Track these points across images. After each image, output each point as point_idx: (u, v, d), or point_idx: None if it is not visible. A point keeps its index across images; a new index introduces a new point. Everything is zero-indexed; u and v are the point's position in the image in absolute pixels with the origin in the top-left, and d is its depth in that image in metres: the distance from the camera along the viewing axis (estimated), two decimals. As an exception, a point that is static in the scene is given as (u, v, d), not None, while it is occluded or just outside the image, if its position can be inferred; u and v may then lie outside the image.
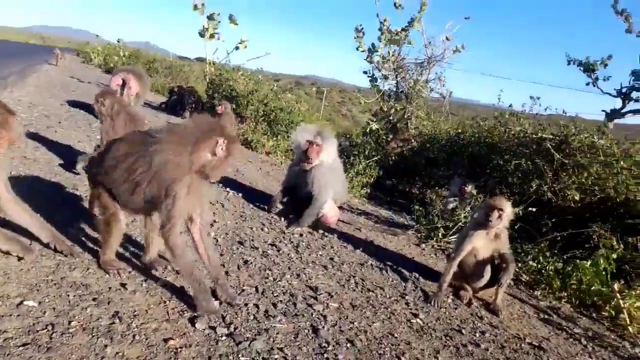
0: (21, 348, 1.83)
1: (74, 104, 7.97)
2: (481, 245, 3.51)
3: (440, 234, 4.88)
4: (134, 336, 2.09)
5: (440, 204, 5.64)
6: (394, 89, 10.41)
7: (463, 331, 2.96)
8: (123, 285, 2.52)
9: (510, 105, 8.40)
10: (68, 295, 2.31)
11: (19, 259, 2.50)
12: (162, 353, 2.02)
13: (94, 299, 2.33)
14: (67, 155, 4.64)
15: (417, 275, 3.79)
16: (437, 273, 3.86)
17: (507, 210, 3.46)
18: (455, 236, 4.73)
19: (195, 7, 11.62)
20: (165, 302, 2.45)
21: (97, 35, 20.50)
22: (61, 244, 2.68)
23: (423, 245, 4.77)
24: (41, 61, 17.15)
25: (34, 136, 5.37)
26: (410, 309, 3.13)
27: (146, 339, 2.09)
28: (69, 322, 2.08)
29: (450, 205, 5.89)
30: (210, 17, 11.77)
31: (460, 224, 4.81)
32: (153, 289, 2.56)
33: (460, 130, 8.45)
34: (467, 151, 7.89)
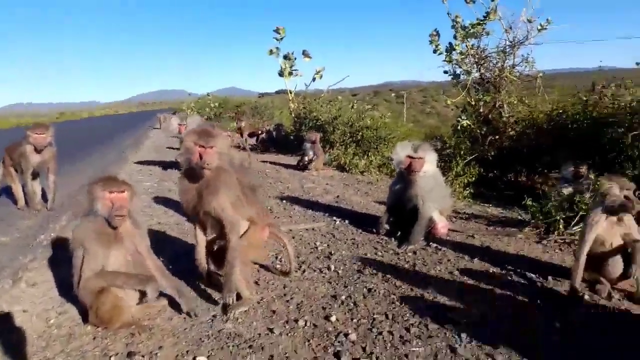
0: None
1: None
2: (606, 232, 3.30)
3: (561, 226, 4.62)
4: (291, 376, 2.35)
5: (555, 194, 5.33)
6: (479, 81, 10.04)
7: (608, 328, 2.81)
8: (270, 329, 2.82)
9: (614, 78, 7.64)
10: (228, 347, 2.66)
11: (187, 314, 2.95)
12: (319, 389, 2.24)
13: (249, 347, 2.65)
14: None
15: (545, 276, 3.65)
16: (565, 269, 3.68)
17: (630, 191, 3.23)
18: (579, 226, 4.46)
19: (271, 52, 12.50)
20: (308, 340, 2.70)
21: (190, 94, 22.68)
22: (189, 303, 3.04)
23: (544, 242, 4.55)
24: (147, 127, 19.40)
25: (161, 201, 6.15)
26: (544, 315, 3.04)
27: (301, 378, 2.34)
28: (236, 370, 2.40)
29: (566, 192, 5.52)
30: (286, 57, 12.53)
31: (581, 212, 4.52)
32: (295, 330, 2.83)
33: (560, 110, 7.89)
34: (573, 130, 7.35)
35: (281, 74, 12.62)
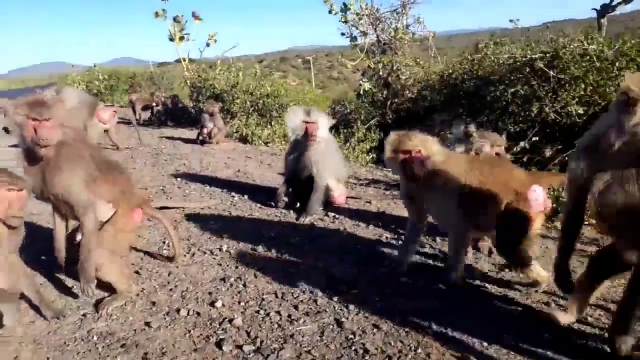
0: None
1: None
2: None
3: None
4: (166, 375, 2.14)
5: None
6: (376, 43, 10.14)
7: (487, 286, 2.96)
8: (147, 324, 2.57)
9: (492, 36, 8.07)
10: (97, 348, 2.37)
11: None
12: (196, 385, 2.07)
13: (122, 346, 2.39)
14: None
15: (434, 238, 3.77)
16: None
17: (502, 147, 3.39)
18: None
19: (157, 14, 11.43)
20: (189, 331, 2.50)
21: (73, 65, 20.38)
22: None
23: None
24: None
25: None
26: (432, 276, 3.11)
27: (178, 375, 2.14)
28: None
29: (458, 150, 5.76)
30: (175, 19, 11.56)
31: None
32: (175, 321, 2.60)
33: (450, 70, 8.22)
34: (463, 89, 7.69)
35: (171, 38, 11.67)
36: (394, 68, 9.45)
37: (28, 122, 2.52)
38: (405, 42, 9.45)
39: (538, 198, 2.66)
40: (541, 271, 2.75)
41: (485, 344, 2.31)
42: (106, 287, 2.82)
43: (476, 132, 5.62)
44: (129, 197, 2.96)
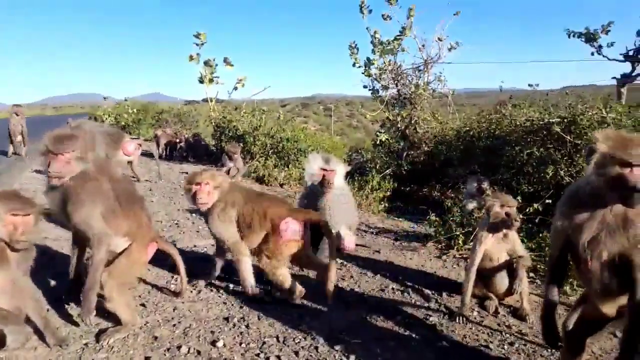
0: None
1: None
2: (493, 248, 3.45)
3: (460, 242, 4.80)
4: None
5: (459, 210, 5.55)
6: (397, 97, 10.43)
7: (490, 345, 2.90)
8: (147, 358, 2.58)
9: (511, 98, 8.27)
10: None
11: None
12: None
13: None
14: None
15: (440, 292, 3.74)
16: (460, 285, 3.79)
17: (513, 209, 3.41)
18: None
19: (191, 58, 12.07)
20: (188, 369, 2.50)
21: (105, 98, 21.33)
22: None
23: (444, 257, 4.70)
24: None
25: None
26: (436, 331, 3.08)
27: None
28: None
29: (470, 207, 5.75)
30: (206, 63, 12.16)
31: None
32: (175, 358, 2.60)
33: (468, 127, 8.36)
34: (479, 146, 7.79)
35: (201, 80, 12.22)
36: (412, 121, 9.67)
37: (47, 155, 2.67)
38: (425, 97, 9.72)
39: (288, 229, 3.32)
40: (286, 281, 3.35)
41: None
42: (112, 316, 2.86)
43: (489, 190, 5.67)
44: (146, 231, 3.05)
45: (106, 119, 18.10)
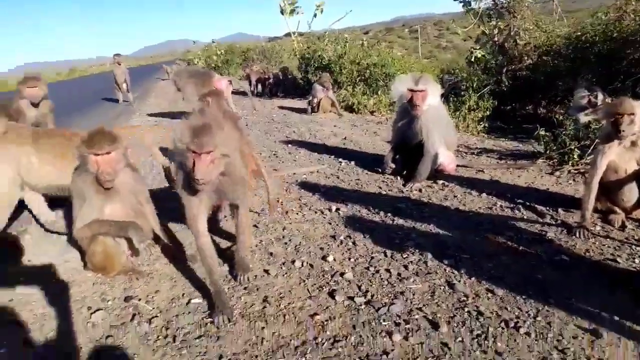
0: (197, 340, 2.16)
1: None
2: (618, 158, 3.08)
3: (575, 156, 4.38)
4: (284, 316, 2.31)
5: (572, 122, 5.03)
6: (492, 7, 9.40)
7: (618, 259, 2.68)
8: (266, 271, 2.78)
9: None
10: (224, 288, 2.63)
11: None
12: (312, 328, 2.20)
13: (245, 288, 2.62)
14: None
15: (555, 208, 3.49)
16: (579, 201, 3.50)
17: (638, 111, 2.97)
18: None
19: (268, -10, 11.86)
20: (304, 280, 2.65)
21: (194, 42, 22.10)
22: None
23: (557, 173, 4.34)
24: (154, 79, 19.16)
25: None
26: (553, 246, 2.91)
27: (295, 317, 2.30)
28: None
29: (583, 120, 5.19)
30: (285, -7, 11.93)
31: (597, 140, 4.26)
32: (291, 271, 2.78)
33: (579, 32, 7.33)
34: (593, 52, 6.85)
35: (282, 12, 12.05)
36: (512, 33, 8.70)
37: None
38: (526, 4, 8.63)
39: None
40: None
41: (616, 317, 2.11)
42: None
43: (606, 100, 5.01)
44: (249, 159, 3.21)
45: (197, 62, 18.87)
